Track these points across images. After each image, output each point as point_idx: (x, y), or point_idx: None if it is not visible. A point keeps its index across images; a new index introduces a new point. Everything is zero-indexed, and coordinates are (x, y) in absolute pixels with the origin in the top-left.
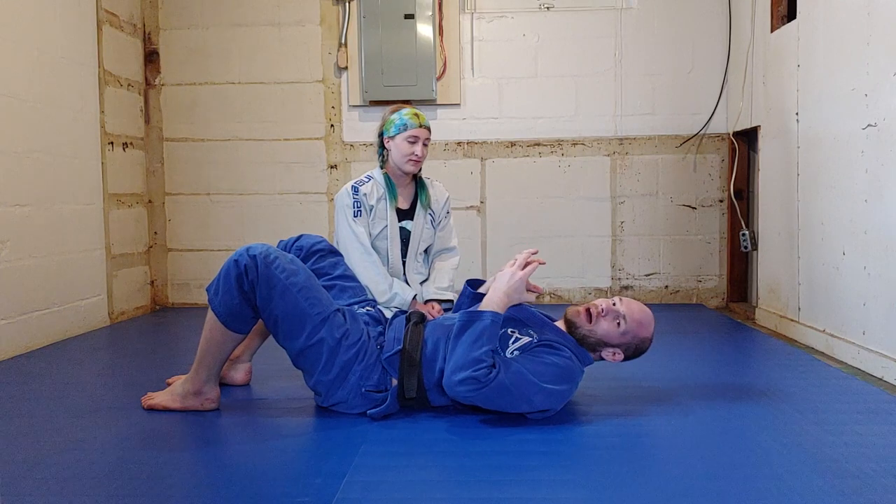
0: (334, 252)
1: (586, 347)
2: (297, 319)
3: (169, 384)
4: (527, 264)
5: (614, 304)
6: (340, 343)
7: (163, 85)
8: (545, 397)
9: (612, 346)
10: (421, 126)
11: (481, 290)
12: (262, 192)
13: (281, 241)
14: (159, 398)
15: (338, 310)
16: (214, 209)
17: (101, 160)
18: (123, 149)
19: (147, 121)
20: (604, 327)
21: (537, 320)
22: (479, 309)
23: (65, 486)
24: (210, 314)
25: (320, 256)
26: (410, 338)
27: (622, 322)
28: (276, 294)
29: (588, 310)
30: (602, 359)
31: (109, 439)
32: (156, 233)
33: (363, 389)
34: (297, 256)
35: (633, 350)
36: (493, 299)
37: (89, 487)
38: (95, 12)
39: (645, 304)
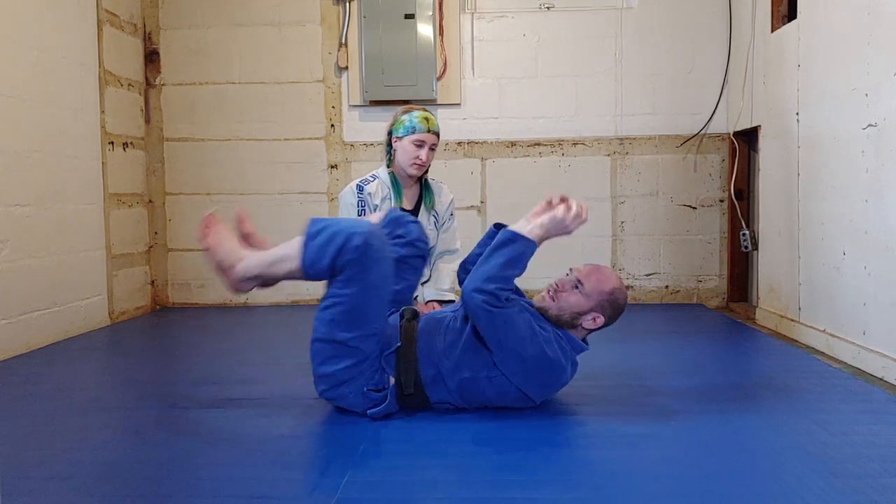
0: (423, 258)
1: (566, 327)
2: (353, 317)
3: (241, 220)
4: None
5: (567, 275)
6: (366, 357)
7: (163, 85)
8: (536, 360)
9: (586, 312)
10: (429, 131)
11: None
12: (262, 192)
13: (395, 210)
14: (219, 237)
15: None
16: (214, 209)
17: (101, 160)
18: (124, 149)
19: (147, 121)
20: (568, 300)
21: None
22: (522, 234)
23: (65, 485)
24: (296, 248)
25: (405, 260)
26: (405, 334)
27: (580, 286)
28: (356, 286)
29: (548, 292)
30: (587, 330)
31: (109, 439)
32: (156, 233)
33: (365, 389)
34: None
35: (610, 308)
36: (536, 232)
37: (89, 487)
38: (96, 12)
39: (612, 273)
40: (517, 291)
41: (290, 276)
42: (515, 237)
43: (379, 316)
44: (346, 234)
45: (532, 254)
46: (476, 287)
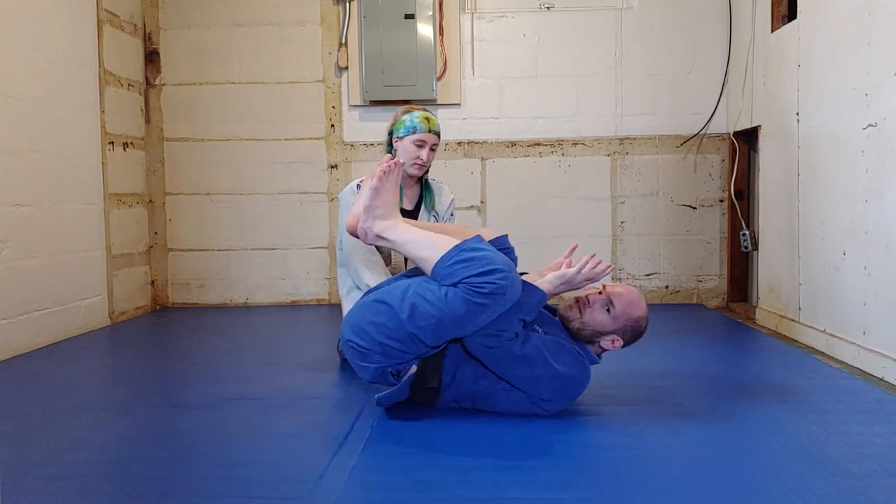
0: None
1: (583, 341)
2: (437, 328)
3: (396, 166)
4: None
5: (600, 292)
6: (412, 350)
7: (163, 85)
8: (551, 380)
9: (608, 333)
10: (430, 131)
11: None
12: (262, 192)
13: (505, 240)
14: (388, 186)
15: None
16: (214, 209)
17: (101, 160)
18: (124, 149)
19: (147, 121)
20: (595, 317)
21: (545, 318)
22: (535, 284)
23: (65, 485)
24: (444, 248)
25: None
26: None
27: (611, 307)
28: (463, 310)
29: (577, 302)
30: (603, 349)
31: (109, 439)
32: (156, 233)
33: (388, 369)
34: None
35: (631, 333)
36: (545, 286)
37: (89, 487)
38: (96, 12)
39: (643, 298)
40: (546, 309)
41: (418, 262)
42: (525, 288)
43: (450, 339)
44: (493, 266)
45: (544, 301)
46: (475, 333)
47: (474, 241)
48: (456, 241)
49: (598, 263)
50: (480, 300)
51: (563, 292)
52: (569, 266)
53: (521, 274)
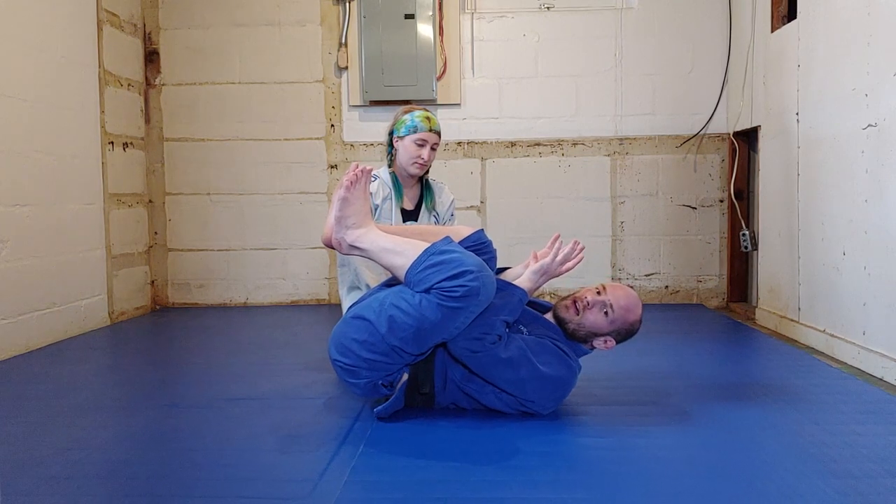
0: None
1: (577, 340)
2: (416, 336)
3: (366, 172)
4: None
5: (599, 294)
6: (398, 361)
7: (163, 85)
8: (534, 381)
9: (602, 335)
10: (431, 130)
11: (503, 275)
12: (262, 192)
13: (482, 234)
14: (357, 194)
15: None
16: (214, 209)
17: (101, 160)
18: (123, 149)
19: (147, 121)
20: (591, 319)
21: (529, 316)
22: (513, 283)
23: (65, 486)
24: (416, 253)
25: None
26: None
27: (609, 311)
28: (439, 317)
29: (575, 303)
30: (594, 347)
31: (109, 439)
32: (156, 233)
33: (379, 382)
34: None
35: (624, 335)
36: (525, 284)
37: (89, 487)
38: (96, 12)
39: (640, 301)
40: (532, 305)
41: (391, 270)
42: (502, 288)
43: (433, 345)
44: (463, 268)
45: (525, 300)
46: (459, 338)
47: (443, 244)
48: (428, 246)
49: (573, 247)
50: (454, 304)
51: (543, 284)
52: (535, 260)
53: (504, 269)
